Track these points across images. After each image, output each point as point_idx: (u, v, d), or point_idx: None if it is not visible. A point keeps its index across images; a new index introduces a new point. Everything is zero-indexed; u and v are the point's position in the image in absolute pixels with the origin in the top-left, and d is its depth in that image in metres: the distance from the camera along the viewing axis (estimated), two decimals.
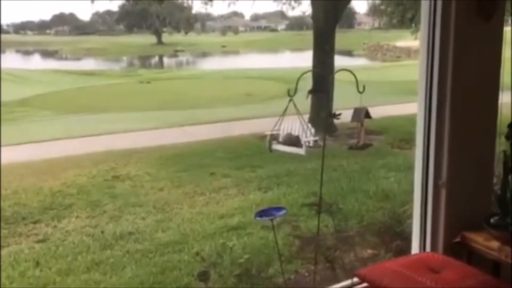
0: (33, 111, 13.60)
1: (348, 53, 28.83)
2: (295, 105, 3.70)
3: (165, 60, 36.26)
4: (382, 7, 13.16)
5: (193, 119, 12.57)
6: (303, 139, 3.69)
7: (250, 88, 17.35)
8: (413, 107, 3.38)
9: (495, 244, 2.55)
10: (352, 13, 32.91)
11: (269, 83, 17.52)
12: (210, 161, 8.22)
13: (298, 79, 3.64)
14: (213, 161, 8.26)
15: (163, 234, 5.27)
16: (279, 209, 3.63)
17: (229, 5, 11.26)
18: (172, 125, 11.88)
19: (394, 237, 4.04)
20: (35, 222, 5.75)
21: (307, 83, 3.96)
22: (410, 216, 3.44)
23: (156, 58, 36.97)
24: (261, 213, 3.56)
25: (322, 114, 7.11)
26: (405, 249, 3.44)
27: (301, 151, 3.72)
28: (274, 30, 39.54)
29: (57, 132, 10.64)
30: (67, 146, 9.40)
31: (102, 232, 5.36)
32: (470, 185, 2.81)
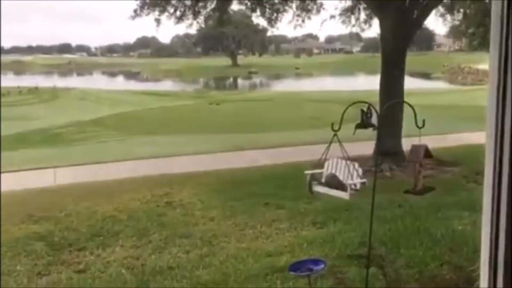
0: (103, 132, 13.98)
1: (426, 76, 27.54)
2: (339, 141, 3.20)
3: (240, 81, 36.78)
4: (462, 28, 12.26)
5: (258, 142, 12.27)
6: (349, 182, 3.14)
7: (319, 112, 16.84)
8: None
9: None
10: (431, 35, 31.62)
11: (341, 107, 16.94)
12: (266, 190, 7.82)
13: (344, 112, 3.18)
14: (269, 189, 7.85)
15: (204, 271, 4.91)
16: (317, 262, 3.13)
17: (295, 27, 10.92)
18: (236, 149, 11.64)
19: None
20: (80, 250, 5.62)
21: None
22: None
23: (231, 80, 37.64)
24: (296, 266, 3.08)
25: (387, 146, 6.47)
26: None
27: (345, 195, 3.17)
28: (348, 52, 38.99)
29: (120, 154, 10.76)
30: (127, 168, 9.41)
31: (143, 265, 5.10)
32: None
